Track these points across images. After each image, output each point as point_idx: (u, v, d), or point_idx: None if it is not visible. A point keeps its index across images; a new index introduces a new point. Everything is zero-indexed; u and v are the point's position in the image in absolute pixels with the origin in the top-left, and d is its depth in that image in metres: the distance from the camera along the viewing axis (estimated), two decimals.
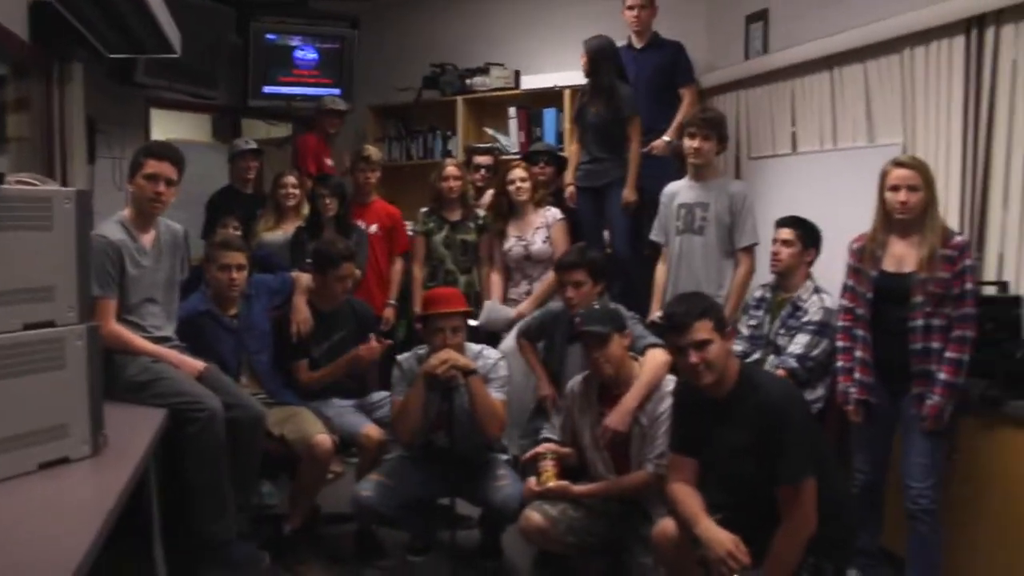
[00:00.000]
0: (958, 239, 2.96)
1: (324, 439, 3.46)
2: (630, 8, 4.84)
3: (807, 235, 3.58)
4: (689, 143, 3.88)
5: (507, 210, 4.48)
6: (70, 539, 1.77)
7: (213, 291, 3.63)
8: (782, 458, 2.45)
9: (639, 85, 4.71)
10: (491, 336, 4.28)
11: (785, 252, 3.57)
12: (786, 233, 3.59)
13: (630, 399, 3.06)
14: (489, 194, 4.78)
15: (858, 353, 3.13)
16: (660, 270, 4.11)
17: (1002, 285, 3.26)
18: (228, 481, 3.12)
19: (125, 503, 2.12)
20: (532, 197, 4.44)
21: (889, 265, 3.05)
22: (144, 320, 3.15)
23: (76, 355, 2.28)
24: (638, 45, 4.92)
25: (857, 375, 3.13)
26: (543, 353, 3.81)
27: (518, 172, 4.43)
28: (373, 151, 4.99)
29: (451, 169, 4.63)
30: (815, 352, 3.42)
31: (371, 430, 3.62)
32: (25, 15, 3.37)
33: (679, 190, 4.03)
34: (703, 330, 2.54)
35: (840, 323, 3.24)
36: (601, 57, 4.51)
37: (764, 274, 3.88)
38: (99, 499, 2.02)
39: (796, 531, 2.47)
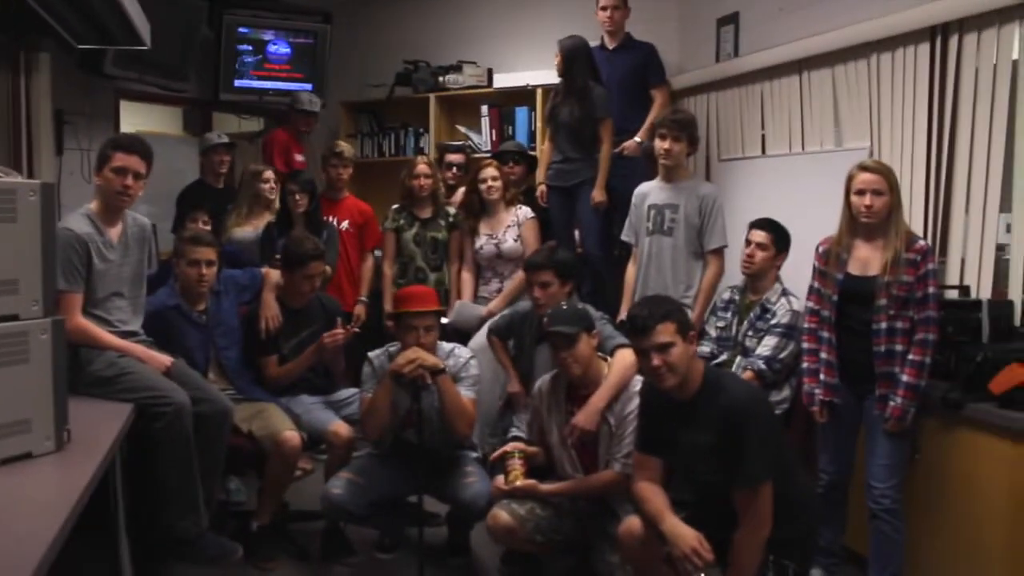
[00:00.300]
0: (921, 243, 3.00)
1: (292, 436, 3.44)
2: (603, 9, 4.87)
3: (780, 239, 3.62)
4: (659, 144, 3.90)
5: (478, 208, 4.49)
6: (32, 536, 1.75)
7: (182, 286, 3.60)
8: (741, 462, 2.48)
9: (611, 86, 4.73)
10: (461, 334, 4.28)
11: (759, 255, 3.60)
12: (761, 236, 3.61)
13: (598, 398, 3.08)
14: (461, 192, 4.78)
15: (823, 355, 3.17)
16: (630, 270, 4.13)
17: (964, 289, 3.32)
18: (197, 477, 3.10)
19: (89, 499, 2.10)
20: (503, 196, 4.45)
21: (854, 268, 3.09)
22: (110, 314, 3.12)
23: (40, 349, 2.26)
24: (611, 46, 4.95)
25: (822, 376, 3.17)
26: (512, 351, 3.82)
27: (490, 171, 4.44)
28: (346, 147, 4.98)
29: (422, 167, 4.62)
30: (783, 354, 3.46)
31: (339, 427, 3.62)
32: None
33: (650, 191, 4.05)
34: (665, 333, 2.55)
35: (805, 325, 3.28)
36: (575, 57, 4.52)
37: (732, 276, 3.91)
38: (62, 495, 2.00)
39: (752, 534, 2.51)
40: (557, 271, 3.53)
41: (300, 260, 3.81)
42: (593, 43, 4.78)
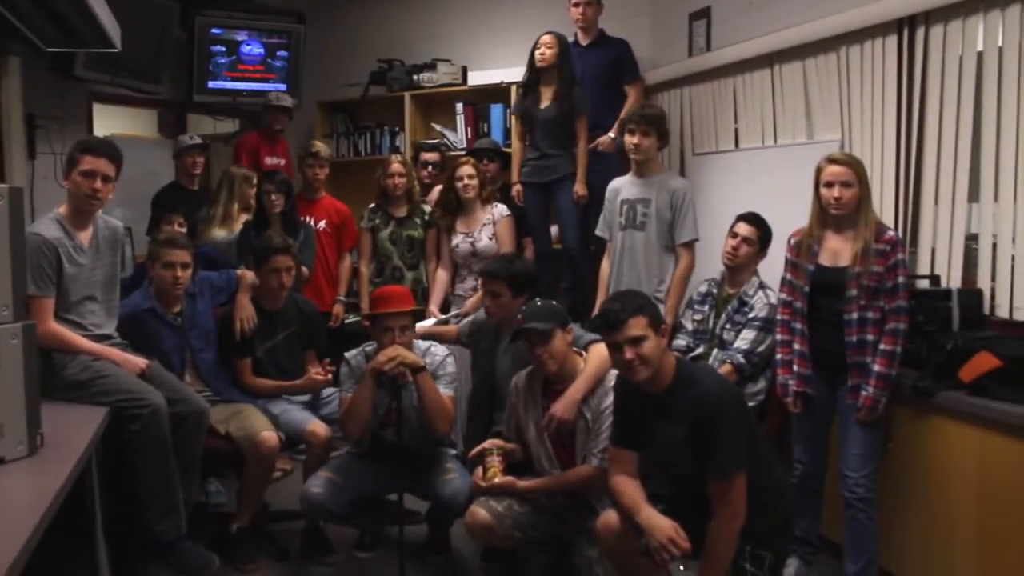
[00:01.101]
0: (890, 234, 3.03)
1: (269, 436, 3.44)
2: (576, 5, 4.88)
3: (765, 237, 3.64)
4: (629, 139, 3.91)
5: (455, 206, 4.49)
6: (3, 539, 1.75)
7: (156, 289, 3.58)
8: (713, 453, 2.50)
9: (585, 82, 4.75)
10: None
11: (744, 249, 3.61)
12: (748, 231, 3.62)
13: (575, 390, 3.08)
14: (437, 190, 4.79)
15: (796, 346, 3.20)
16: (605, 265, 4.14)
17: (934, 279, 3.36)
18: (176, 479, 3.10)
19: (63, 503, 2.10)
20: (480, 194, 4.45)
21: (825, 259, 3.12)
22: (83, 319, 3.11)
23: (11, 354, 2.26)
24: (584, 42, 4.96)
25: (795, 367, 3.20)
26: (471, 359, 3.84)
27: (466, 169, 4.44)
28: (321, 147, 4.98)
29: (396, 166, 4.63)
30: (761, 347, 3.49)
31: (317, 427, 3.60)
32: None
33: (622, 186, 4.07)
34: (637, 327, 2.57)
35: (779, 316, 3.31)
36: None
37: (704, 269, 3.93)
38: (34, 500, 2.00)
39: (726, 524, 2.52)
40: (511, 283, 3.48)
41: (264, 254, 3.81)
42: (570, 39, 4.79)
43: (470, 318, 3.92)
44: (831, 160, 3.09)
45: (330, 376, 3.76)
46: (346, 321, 4.80)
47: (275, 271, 3.80)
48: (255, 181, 4.62)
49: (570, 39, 4.89)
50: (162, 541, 3.12)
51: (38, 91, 4.67)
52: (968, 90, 3.26)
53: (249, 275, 3.88)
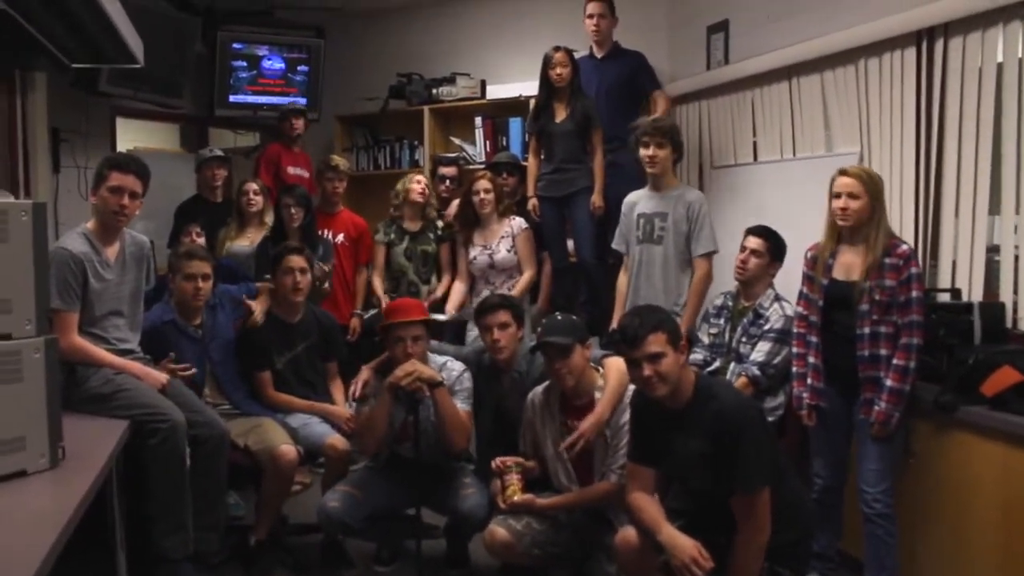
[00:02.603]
0: (904, 248, 3.02)
1: (288, 450, 3.45)
2: (590, 17, 4.86)
3: (776, 248, 3.62)
4: (644, 152, 3.89)
5: (472, 220, 4.50)
6: (24, 552, 1.76)
7: (177, 301, 3.61)
8: (736, 468, 2.48)
9: (601, 94, 4.75)
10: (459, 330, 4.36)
11: (753, 262, 3.60)
12: (756, 243, 3.61)
13: (603, 408, 3.06)
14: (455, 204, 4.80)
15: (811, 359, 3.19)
16: (622, 279, 4.13)
17: (955, 292, 3.33)
18: (188, 497, 3.09)
19: (83, 515, 2.12)
20: (496, 208, 4.45)
21: (838, 273, 3.12)
22: (108, 333, 3.14)
23: (34, 368, 2.28)
24: (599, 54, 4.95)
25: (809, 380, 3.19)
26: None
27: (483, 183, 4.44)
28: (340, 161, 5.01)
29: (423, 180, 4.69)
30: (777, 360, 3.47)
31: (336, 441, 3.61)
32: None
33: (638, 200, 4.06)
34: (656, 343, 2.56)
35: (795, 329, 3.30)
36: (577, 65, 4.58)
37: (721, 282, 3.92)
38: (55, 512, 2.01)
39: (751, 540, 2.51)
40: (513, 312, 3.47)
41: (277, 256, 3.85)
42: (580, 53, 4.81)
43: (466, 351, 3.83)
44: (841, 172, 3.11)
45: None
46: (365, 316, 4.78)
47: (288, 271, 3.80)
48: (244, 188, 4.70)
49: (584, 52, 4.91)
50: (168, 558, 3.11)
51: (63, 106, 4.73)
52: (988, 101, 3.23)
53: (268, 287, 3.91)
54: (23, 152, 3.96)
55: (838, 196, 3.06)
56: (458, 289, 4.55)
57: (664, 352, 2.56)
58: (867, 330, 3.01)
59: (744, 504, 2.51)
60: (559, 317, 3.21)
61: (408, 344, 3.33)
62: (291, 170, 5.30)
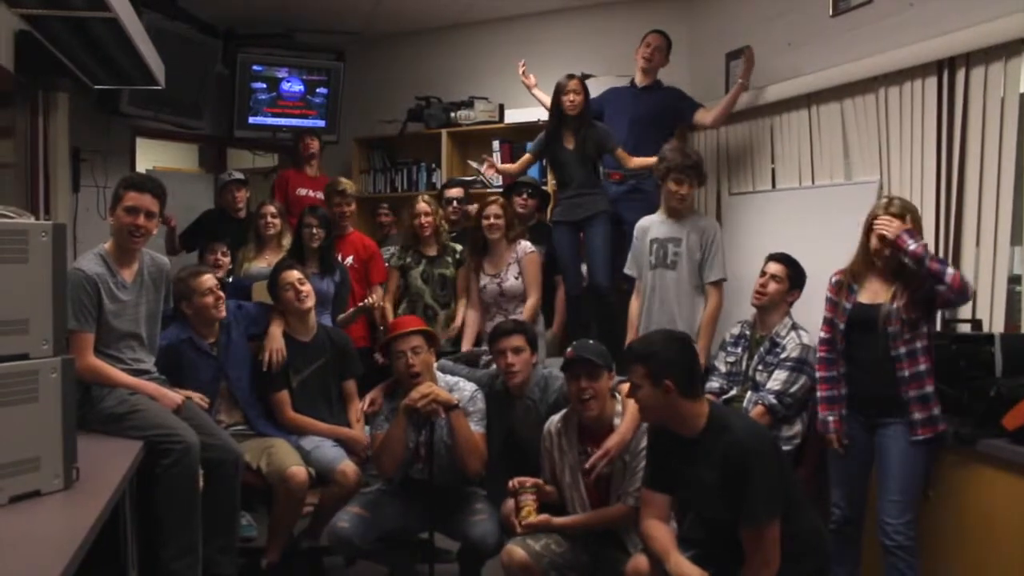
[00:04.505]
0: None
1: (298, 471, 3.43)
2: (647, 46, 4.81)
3: (795, 275, 3.60)
4: (675, 187, 3.90)
5: (481, 246, 4.46)
6: (37, 574, 1.75)
7: (194, 318, 3.61)
8: (745, 501, 2.46)
9: (634, 122, 4.72)
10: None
11: (772, 287, 3.59)
12: (776, 268, 3.60)
13: (627, 426, 3.04)
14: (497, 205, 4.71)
15: (836, 384, 3.19)
16: (634, 304, 4.12)
17: (976, 323, 3.30)
18: (198, 519, 3.06)
19: (97, 536, 2.11)
20: (506, 234, 4.39)
21: (864, 298, 3.11)
22: (123, 353, 3.14)
23: (50, 388, 2.28)
24: (640, 83, 4.88)
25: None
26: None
27: (493, 208, 4.38)
28: (347, 183, 4.96)
29: (422, 206, 4.61)
30: (793, 388, 3.44)
31: (347, 467, 3.57)
32: (11, 45, 3.39)
33: (651, 225, 4.05)
34: (635, 374, 2.60)
35: (819, 355, 3.27)
36: (588, 93, 4.58)
37: (733, 309, 3.89)
38: (68, 534, 2.00)
39: (757, 572, 2.48)
40: (527, 337, 3.46)
41: (272, 279, 3.88)
42: (603, 78, 4.80)
43: (479, 374, 3.79)
44: (887, 208, 3.05)
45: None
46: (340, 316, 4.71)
47: (288, 287, 3.80)
48: (263, 211, 4.71)
49: (603, 76, 4.89)
50: None
51: (84, 126, 4.78)
52: (1010, 132, 3.22)
53: (277, 311, 3.90)
54: (44, 171, 3.99)
55: (882, 239, 3.02)
56: (471, 320, 4.49)
57: (641, 384, 2.59)
58: (903, 350, 2.99)
59: (751, 537, 2.49)
60: (591, 342, 3.20)
61: (409, 357, 3.33)
62: (302, 192, 5.31)
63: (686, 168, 3.88)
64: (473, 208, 4.80)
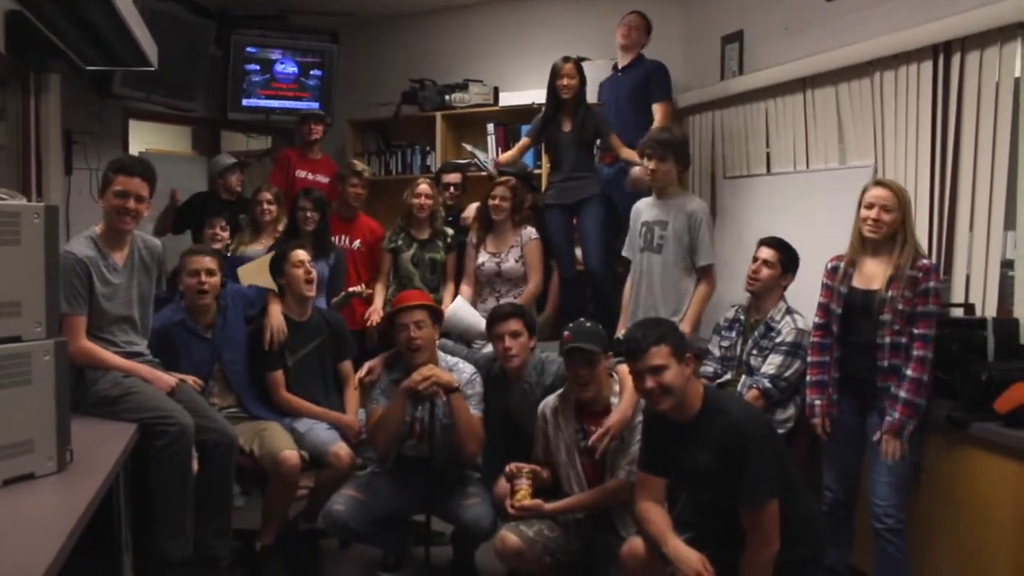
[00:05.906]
0: (925, 262, 3.01)
1: (291, 455, 3.43)
2: (626, 25, 4.83)
3: (788, 260, 3.60)
4: (646, 163, 3.88)
5: (488, 223, 4.49)
6: (32, 556, 1.75)
7: (187, 301, 3.61)
8: (744, 481, 2.47)
9: (617, 104, 4.74)
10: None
11: (765, 272, 3.58)
12: (768, 253, 3.60)
13: (627, 405, 3.06)
14: (473, 207, 4.74)
15: (827, 369, 3.20)
16: (627, 287, 4.10)
17: (969, 307, 3.31)
18: (190, 501, 3.08)
19: (91, 518, 2.11)
20: (511, 216, 4.43)
21: (859, 282, 3.12)
22: (115, 336, 3.13)
23: (43, 370, 2.27)
24: (621, 64, 4.91)
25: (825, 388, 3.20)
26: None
27: (500, 189, 4.43)
28: (364, 166, 4.98)
29: (423, 187, 4.61)
30: (788, 372, 3.45)
31: (341, 450, 3.58)
32: (1, 25, 3.36)
33: (643, 208, 4.03)
34: (659, 356, 2.56)
35: (812, 339, 3.29)
36: (584, 75, 4.56)
37: (726, 293, 3.89)
38: (62, 516, 2.00)
39: (759, 553, 2.50)
40: (525, 321, 3.46)
41: (282, 253, 3.88)
42: (598, 61, 4.78)
43: (476, 356, 3.80)
44: (877, 183, 3.09)
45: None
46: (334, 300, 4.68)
47: (299, 264, 3.81)
48: (259, 198, 4.70)
49: (599, 59, 4.88)
50: (167, 561, 3.08)
51: (76, 108, 4.74)
52: (1005, 116, 3.21)
53: (273, 293, 3.89)
54: (36, 153, 3.96)
55: (870, 207, 3.04)
56: (464, 293, 4.51)
57: (667, 364, 2.55)
58: (888, 340, 3.00)
59: (751, 518, 2.50)
60: (587, 324, 3.20)
61: (412, 330, 3.34)
62: (301, 174, 5.29)
63: (653, 143, 3.85)
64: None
